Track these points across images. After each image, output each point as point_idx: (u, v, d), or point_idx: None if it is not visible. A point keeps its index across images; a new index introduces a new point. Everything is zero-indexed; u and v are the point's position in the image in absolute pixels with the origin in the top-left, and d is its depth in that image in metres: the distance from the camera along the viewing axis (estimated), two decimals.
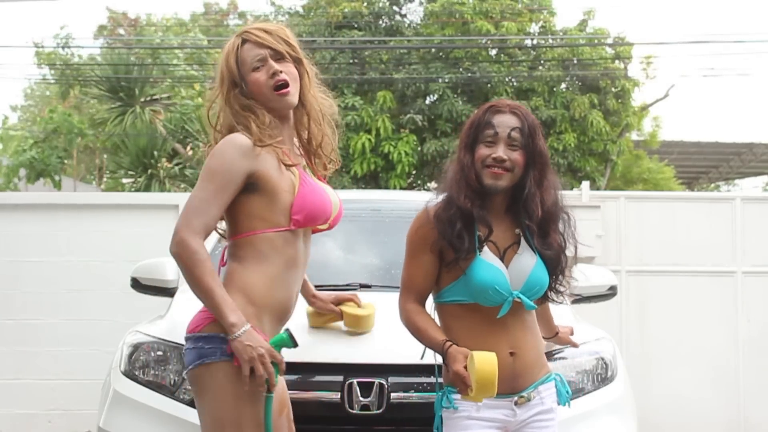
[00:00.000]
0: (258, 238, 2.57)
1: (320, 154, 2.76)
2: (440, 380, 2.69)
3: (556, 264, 2.63)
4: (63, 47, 16.28)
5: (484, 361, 2.42)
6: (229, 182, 2.54)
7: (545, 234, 2.62)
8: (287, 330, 2.54)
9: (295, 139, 2.75)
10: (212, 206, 2.54)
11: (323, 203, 2.65)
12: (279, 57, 2.63)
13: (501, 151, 2.58)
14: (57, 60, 16.45)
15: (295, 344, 2.52)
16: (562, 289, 2.67)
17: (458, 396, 2.56)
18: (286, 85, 2.62)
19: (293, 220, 2.58)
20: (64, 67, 16.21)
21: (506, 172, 2.58)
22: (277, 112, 2.65)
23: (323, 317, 3.12)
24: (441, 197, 2.67)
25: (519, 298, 2.55)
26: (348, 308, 3.08)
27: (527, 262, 2.58)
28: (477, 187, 2.60)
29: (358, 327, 3.08)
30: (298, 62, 2.67)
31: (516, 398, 2.58)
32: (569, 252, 2.68)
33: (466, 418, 2.58)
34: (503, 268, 2.57)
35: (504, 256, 2.59)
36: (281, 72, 2.61)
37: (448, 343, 2.54)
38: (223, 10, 23.01)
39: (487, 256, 2.58)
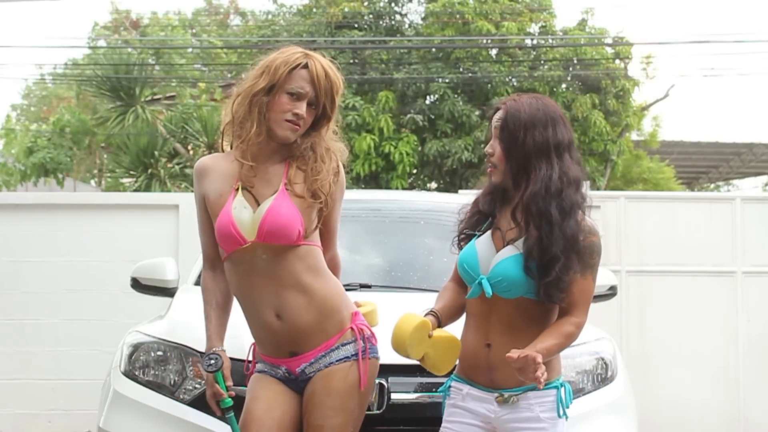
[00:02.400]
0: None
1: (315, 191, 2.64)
2: None
3: (540, 259, 2.46)
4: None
5: (402, 321, 2.52)
6: (199, 210, 2.69)
7: (536, 231, 2.49)
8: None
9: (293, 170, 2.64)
10: (201, 234, 2.72)
11: (222, 226, 2.56)
12: (312, 104, 2.59)
13: (489, 146, 2.60)
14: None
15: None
16: (551, 290, 2.48)
17: (454, 383, 2.63)
18: (297, 124, 2.59)
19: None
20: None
21: (495, 168, 2.56)
22: (272, 137, 2.60)
23: None
24: None
25: (481, 281, 2.51)
26: None
27: (506, 252, 2.53)
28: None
29: None
30: (326, 119, 2.64)
31: (496, 395, 2.54)
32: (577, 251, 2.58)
33: (451, 406, 2.62)
34: (484, 253, 2.55)
35: (505, 246, 2.56)
36: (302, 118, 2.58)
37: (428, 312, 2.61)
38: (225, 9, 23.00)
39: (480, 240, 2.60)
